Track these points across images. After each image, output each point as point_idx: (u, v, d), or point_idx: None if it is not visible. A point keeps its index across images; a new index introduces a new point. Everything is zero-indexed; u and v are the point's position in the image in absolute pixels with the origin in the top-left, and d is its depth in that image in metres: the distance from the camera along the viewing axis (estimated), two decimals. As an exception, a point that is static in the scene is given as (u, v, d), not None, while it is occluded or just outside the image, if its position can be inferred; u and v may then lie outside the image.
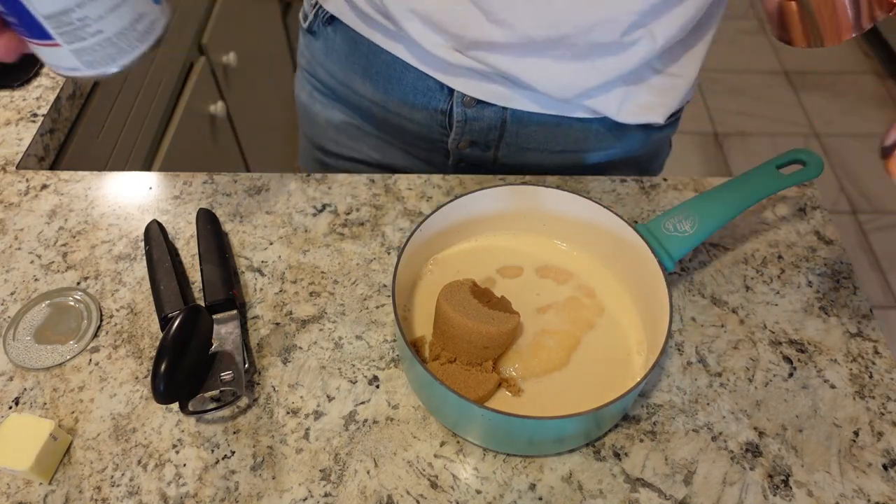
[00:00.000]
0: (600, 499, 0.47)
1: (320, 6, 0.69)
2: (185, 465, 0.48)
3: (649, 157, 0.76)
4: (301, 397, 0.52)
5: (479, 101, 0.65)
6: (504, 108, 0.66)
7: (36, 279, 0.59)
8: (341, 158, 0.81)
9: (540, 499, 0.47)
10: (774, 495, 0.47)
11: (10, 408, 0.51)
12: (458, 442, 0.50)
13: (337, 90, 0.74)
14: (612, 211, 0.54)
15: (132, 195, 0.65)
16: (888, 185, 2.04)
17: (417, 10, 0.58)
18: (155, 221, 0.61)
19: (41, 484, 0.47)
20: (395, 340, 0.55)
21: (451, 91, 0.65)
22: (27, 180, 0.66)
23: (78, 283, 0.58)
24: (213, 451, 0.49)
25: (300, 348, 0.55)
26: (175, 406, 0.50)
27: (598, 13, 0.54)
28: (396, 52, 0.65)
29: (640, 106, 0.65)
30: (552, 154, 0.70)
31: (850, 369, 0.54)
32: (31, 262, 0.60)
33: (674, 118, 0.71)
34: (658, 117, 0.66)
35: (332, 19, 0.69)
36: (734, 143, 2.14)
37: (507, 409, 0.45)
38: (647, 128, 0.69)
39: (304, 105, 0.81)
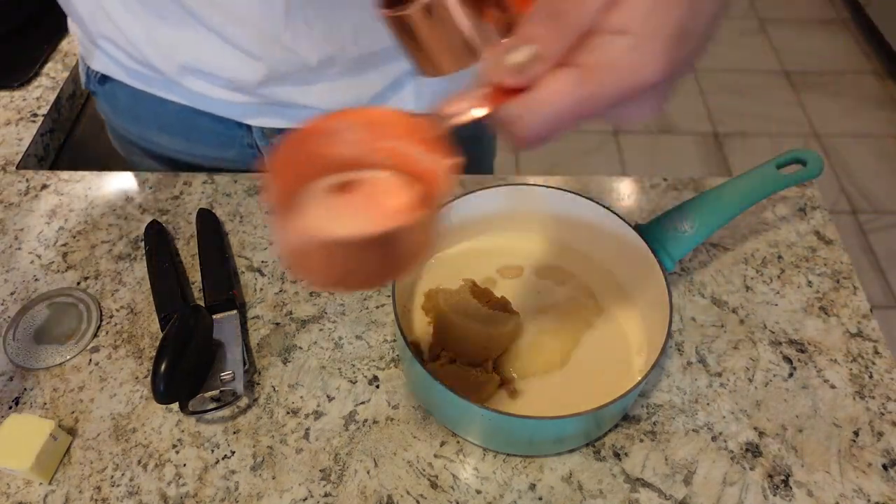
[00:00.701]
0: (600, 499, 0.47)
1: (89, 65, 0.65)
2: (185, 465, 0.48)
3: (479, 130, 0.77)
4: (301, 397, 0.52)
5: (280, 129, 0.64)
6: None
7: (36, 279, 0.59)
8: None
9: (540, 499, 0.47)
10: (774, 495, 0.47)
11: (10, 408, 0.51)
12: (458, 442, 0.50)
13: (141, 144, 0.71)
14: (612, 211, 0.54)
15: (132, 195, 0.65)
16: (888, 185, 2.04)
17: (188, 65, 0.57)
18: (155, 221, 0.61)
19: (41, 484, 0.47)
20: (395, 340, 0.55)
21: (249, 126, 0.65)
22: (27, 180, 0.66)
23: (78, 283, 0.58)
24: (213, 451, 0.49)
25: (300, 348, 0.54)
26: (175, 406, 0.50)
27: (368, 26, 0.53)
28: (182, 100, 0.63)
29: (436, 93, 0.63)
30: None
31: (850, 369, 0.54)
32: (31, 262, 0.60)
33: None
34: None
35: (106, 77, 0.65)
36: (734, 143, 2.14)
37: (507, 410, 0.45)
38: None
39: (123, 156, 0.78)
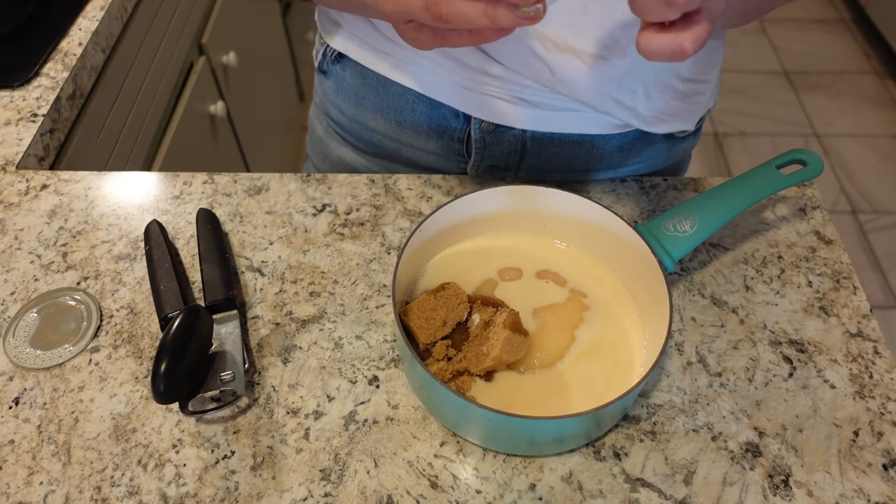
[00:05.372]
0: (600, 499, 0.47)
1: (328, 45, 0.69)
2: (185, 465, 0.48)
3: (672, 171, 0.75)
4: (301, 397, 0.52)
5: (498, 126, 0.64)
6: (524, 131, 0.64)
7: (36, 279, 0.59)
8: None
9: (540, 499, 0.47)
10: (774, 495, 0.47)
11: (10, 408, 0.51)
12: (458, 442, 0.50)
13: (348, 127, 0.74)
14: (612, 211, 0.54)
15: (132, 195, 0.65)
16: (888, 185, 2.04)
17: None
18: (155, 221, 0.61)
19: (41, 483, 0.47)
20: (395, 340, 0.55)
21: (467, 117, 0.64)
22: (27, 180, 0.66)
23: (78, 283, 0.58)
24: (213, 451, 0.49)
25: (300, 348, 0.55)
26: (175, 406, 0.50)
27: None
28: (406, 82, 0.64)
29: (668, 113, 0.63)
30: (576, 173, 0.69)
31: (850, 369, 0.54)
32: (31, 262, 0.60)
33: (697, 126, 0.70)
34: (688, 124, 0.65)
35: (341, 57, 0.69)
36: (734, 143, 2.14)
37: (507, 410, 0.45)
38: (670, 138, 0.68)
39: (319, 138, 0.81)
